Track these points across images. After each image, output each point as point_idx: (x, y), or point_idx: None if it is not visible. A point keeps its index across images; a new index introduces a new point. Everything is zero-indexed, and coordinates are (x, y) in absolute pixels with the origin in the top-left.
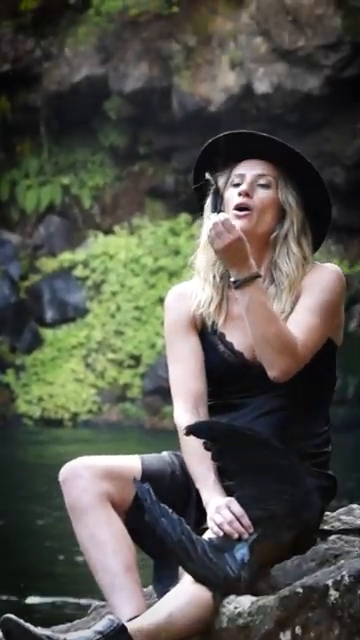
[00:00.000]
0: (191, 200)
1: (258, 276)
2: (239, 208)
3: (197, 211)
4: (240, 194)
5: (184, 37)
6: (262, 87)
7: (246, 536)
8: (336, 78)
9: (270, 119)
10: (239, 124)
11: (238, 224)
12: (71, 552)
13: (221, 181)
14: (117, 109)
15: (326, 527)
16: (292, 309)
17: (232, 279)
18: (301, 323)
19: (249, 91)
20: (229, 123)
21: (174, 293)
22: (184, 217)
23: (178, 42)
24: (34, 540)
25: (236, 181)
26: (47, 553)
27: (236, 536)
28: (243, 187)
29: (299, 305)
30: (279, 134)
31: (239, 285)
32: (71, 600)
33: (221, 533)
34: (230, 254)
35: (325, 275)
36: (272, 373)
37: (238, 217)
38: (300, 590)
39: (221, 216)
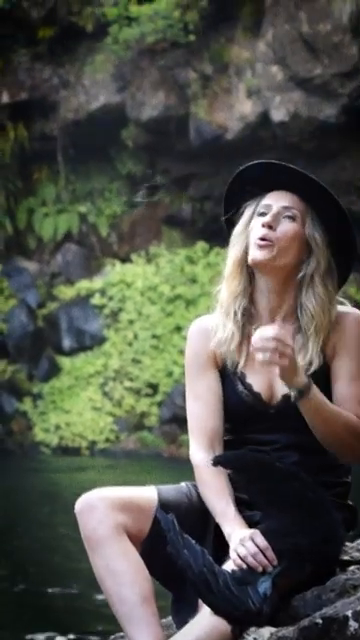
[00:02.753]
0: (208, 228)
1: (310, 384)
2: (261, 239)
3: (214, 239)
4: (263, 225)
5: (201, 65)
6: (279, 115)
7: (270, 569)
8: (352, 106)
9: (286, 147)
10: (256, 152)
11: (258, 254)
12: (90, 590)
13: (248, 211)
14: (134, 137)
15: (345, 557)
16: (319, 360)
17: (291, 396)
18: (356, 396)
19: (266, 119)
20: (246, 151)
21: (196, 327)
22: (201, 245)
23: (195, 70)
24: (50, 573)
25: (262, 211)
26: (63, 588)
27: (260, 569)
28: (267, 219)
29: (344, 372)
30: (295, 162)
31: (297, 399)
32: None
33: (244, 566)
34: (284, 372)
35: (357, 331)
36: (345, 459)
37: (259, 247)
38: (320, 621)
39: (270, 331)
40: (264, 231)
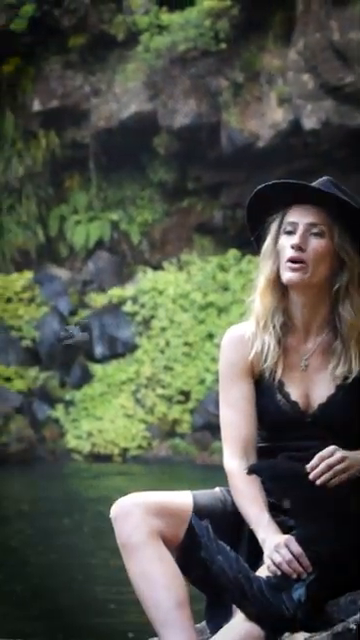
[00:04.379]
0: (240, 236)
1: None
2: (293, 261)
3: (246, 247)
4: (293, 247)
5: (232, 73)
6: (310, 123)
7: (304, 576)
8: None
9: (318, 155)
10: (287, 160)
11: (292, 276)
12: (122, 602)
13: (273, 227)
14: (165, 145)
15: None
16: (358, 367)
17: None
18: None
19: (297, 127)
20: (277, 159)
21: (231, 336)
22: (233, 253)
23: (226, 78)
24: (84, 582)
25: (289, 229)
26: (95, 597)
27: (295, 576)
28: (295, 241)
29: None
30: (327, 170)
31: None
32: None
33: (279, 572)
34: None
35: None
36: None
37: (292, 270)
38: (353, 626)
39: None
40: (295, 253)
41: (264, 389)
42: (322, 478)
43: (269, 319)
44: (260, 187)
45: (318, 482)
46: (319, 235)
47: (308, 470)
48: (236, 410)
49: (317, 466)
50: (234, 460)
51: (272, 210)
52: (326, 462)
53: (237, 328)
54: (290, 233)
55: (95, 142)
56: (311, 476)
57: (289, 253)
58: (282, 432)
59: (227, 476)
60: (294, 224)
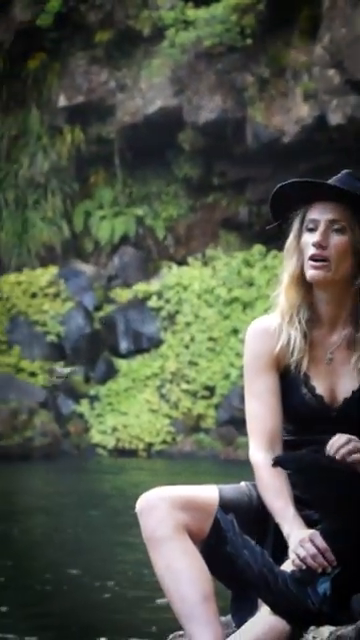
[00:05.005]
0: (265, 231)
1: None
2: (315, 259)
3: (271, 242)
4: (314, 245)
5: (258, 69)
6: (335, 118)
7: (329, 570)
8: None
9: (343, 150)
10: (312, 155)
11: (315, 274)
12: (153, 609)
13: (295, 223)
14: (191, 140)
15: None
16: None
17: None
18: None
19: (322, 122)
20: (302, 154)
21: (256, 328)
22: (258, 248)
23: (252, 74)
24: (110, 581)
25: (310, 226)
26: (123, 599)
27: (320, 570)
28: (317, 238)
29: None
30: (352, 165)
31: None
32: None
33: (304, 566)
34: None
35: None
36: None
37: (315, 268)
38: None
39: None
40: (317, 251)
41: (289, 382)
42: (341, 451)
43: (294, 314)
44: (278, 187)
45: (337, 456)
46: (340, 231)
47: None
48: (261, 402)
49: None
50: (260, 453)
51: (294, 207)
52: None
53: (262, 320)
54: (312, 230)
55: (120, 138)
56: (328, 448)
57: (311, 251)
58: (307, 426)
59: (253, 469)
60: (315, 221)
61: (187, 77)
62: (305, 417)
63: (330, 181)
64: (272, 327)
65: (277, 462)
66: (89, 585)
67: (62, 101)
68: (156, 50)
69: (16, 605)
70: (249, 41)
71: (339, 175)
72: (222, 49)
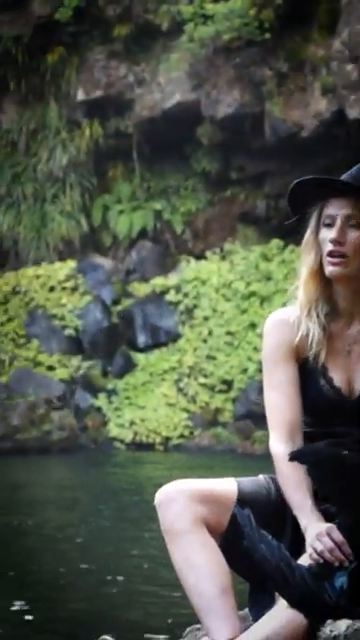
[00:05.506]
0: (283, 225)
1: None
2: (333, 255)
3: (289, 236)
4: (331, 241)
5: (276, 63)
6: (354, 113)
7: (346, 564)
8: None
9: None
10: (330, 150)
11: (333, 270)
12: (168, 603)
13: (313, 219)
14: (209, 135)
15: None
16: None
17: None
18: None
19: (341, 117)
20: (320, 149)
21: (275, 320)
22: (276, 242)
23: (270, 68)
24: (125, 575)
25: (327, 221)
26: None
27: (337, 564)
28: (334, 235)
29: None
30: None
31: None
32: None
33: (321, 560)
34: None
35: None
36: None
37: (333, 264)
38: None
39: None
40: (334, 247)
41: (307, 374)
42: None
43: (312, 307)
44: (295, 183)
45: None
46: (357, 227)
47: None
48: (281, 393)
49: None
50: (280, 444)
51: (311, 202)
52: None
53: (281, 312)
54: (329, 226)
55: (139, 132)
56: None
57: (329, 247)
58: (325, 417)
59: (273, 460)
60: (332, 217)
61: (205, 71)
62: (323, 409)
63: (344, 176)
64: (291, 319)
65: (294, 457)
66: (102, 579)
67: (80, 95)
68: (175, 44)
69: (29, 599)
70: (267, 35)
71: (353, 169)
72: (240, 43)
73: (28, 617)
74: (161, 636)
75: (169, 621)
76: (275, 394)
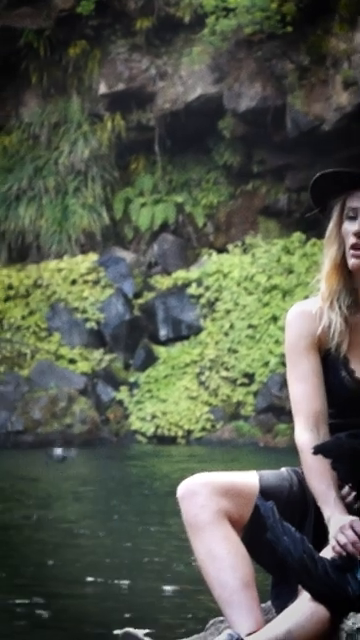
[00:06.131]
0: (304, 219)
1: None
2: (356, 248)
3: (311, 229)
4: (355, 234)
5: (298, 56)
6: None
7: None
8: None
9: None
10: (352, 143)
11: (356, 263)
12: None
13: (335, 212)
14: (231, 128)
15: None
16: None
17: None
18: None
19: None
20: (342, 142)
21: (297, 311)
22: (297, 235)
23: (292, 61)
24: (144, 569)
25: (350, 214)
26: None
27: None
28: (357, 228)
29: None
30: None
31: None
32: None
33: (344, 553)
34: None
35: None
36: None
37: (356, 257)
38: None
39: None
40: (357, 240)
41: (329, 365)
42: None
43: (335, 299)
44: (316, 177)
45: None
46: None
47: None
48: (305, 383)
49: None
50: (305, 434)
51: (333, 195)
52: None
53: (303, 303)
54: (352, 218)
55: (160, 125)
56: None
57: (352, 240)
58: (346, 409)
59: (298, 450)
60: (355, 209)
61: (227, 64)
62: (344, 400)
63: None
64: (313, 310)
65: (318, 450)
66: (121, 573)
67: (103, 88)
68: (197, 37)
69: (49, 594)
70: (289, 28)
71: None
72: (262, 36)
73: (45, 612)
74: (181, 629)
75: (189, 615)
76: (299, 385)
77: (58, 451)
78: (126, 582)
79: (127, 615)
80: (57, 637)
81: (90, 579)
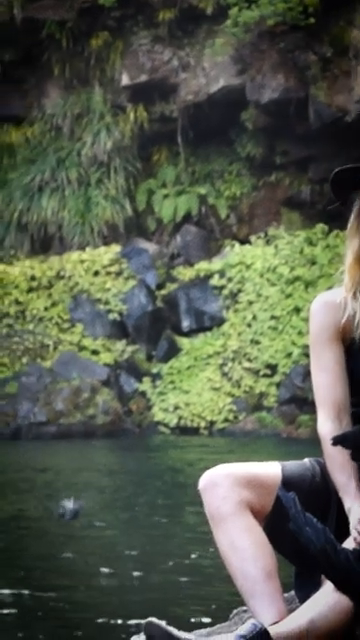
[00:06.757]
0: (327, 210)
1: None
2: None
3: (334, 221)
4: None
5: (321, 48)
6: None
7: None
8: None
9: None
10: None
11: None
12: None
13: (357, 204)
14: (253, 119)
15: None
16: None
17: None
18: None
19: None
20: None
21: (321, 301)
22: (320, 227)
23: (315, 53)
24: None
25: None
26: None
27: None
28: None
29: None
30: None
31: None
32: None
33: None
34: None
35: None
36: None
37: None
38: None
39: None
40: None
41: (353, 355)
42: None
43: (358, 290)
44: (336, 171)
45: None
46: None
47: None
48: (329, 373)
49: None
50: (327, 424)
51: (354, 187)
52: None
53: (328, 294)
54: None
55: (183, 116)
56: None
57: None
58: None
59: (320, 440)
60: None
61: (250, 56)
62: None
63: None
64: (337, 300)
65: (336, 441)
66: (144, 565)
67: (125, 80)
68: (219, 29)
69: (70, 588)
70: (312, 20)
71: None
72: (285, 28)
73: (65, 604)
74: (205, 619)
75: (213, 607)
76: (323, 374)
77: (69, 504)
78: (149, 574)
79: (149, 606)
80: (74, 627)
81: (106, 570)
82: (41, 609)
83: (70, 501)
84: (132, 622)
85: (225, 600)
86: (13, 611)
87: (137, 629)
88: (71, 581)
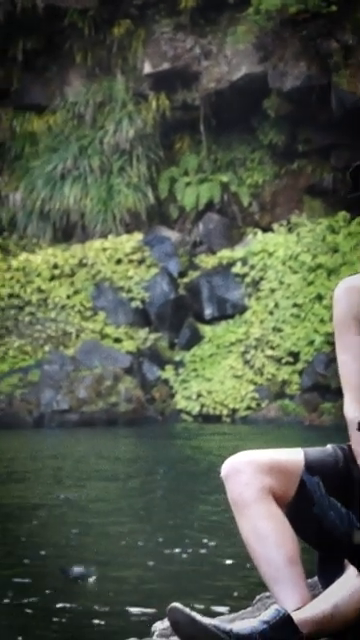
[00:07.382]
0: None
1: None
2: None
3: (356, 209)
4: None
5: (343, 35)
6: None
7: None
8: None
9: None
10: None
11: None
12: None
13: None
14: (276, 107)
15: None
16: None
17: None
18: None
19: None
20: None
21: (345, 287)
22: (342, 215)
23: (337, 40)
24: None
25: None
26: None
27: None
28: None
29: None
30: None
31: None
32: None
33: None
34: None
35: None
36: None
37: None
38: None
39: None
40: None
41: None
42: None
43: None
44: (355, 165)
45: None
46: None
47: None
48: (354, 356)
49: None
50: (354, 404)
51: None
52: None
53: (352, 279)
54: None
55: (205, 104)
56: None
57: None
58: None
59: (347, 423)
60: None
61: (272, 44)
62: None
63: None
64: None
65: None
66: (164, 552)
67: (147, 68)
68: (241, 17)
69: (85, 575)
70: (334, 8)
71: None
72: (307, 16)
73: (91, 589)
74: (224, 608)
75: (235, 594)
76: (348, 358)
77: (76, 570)
78: (169, 560)
79: (170, 592)
80: (96, 617)
81: (134, 557)
82: (57, 597)
83: (79, 569)
84: (150, 610)
85: (245, 588)
86: (33, 600)
87: (152, 618)
88: (93, 567)
